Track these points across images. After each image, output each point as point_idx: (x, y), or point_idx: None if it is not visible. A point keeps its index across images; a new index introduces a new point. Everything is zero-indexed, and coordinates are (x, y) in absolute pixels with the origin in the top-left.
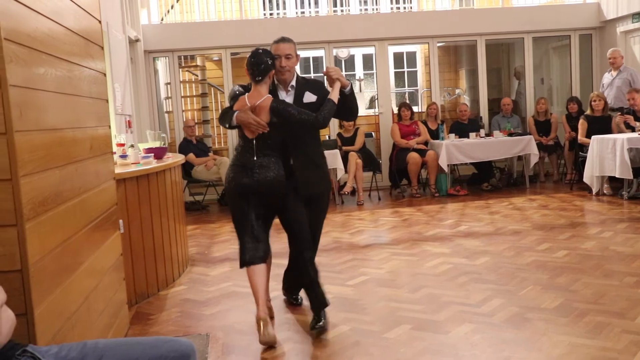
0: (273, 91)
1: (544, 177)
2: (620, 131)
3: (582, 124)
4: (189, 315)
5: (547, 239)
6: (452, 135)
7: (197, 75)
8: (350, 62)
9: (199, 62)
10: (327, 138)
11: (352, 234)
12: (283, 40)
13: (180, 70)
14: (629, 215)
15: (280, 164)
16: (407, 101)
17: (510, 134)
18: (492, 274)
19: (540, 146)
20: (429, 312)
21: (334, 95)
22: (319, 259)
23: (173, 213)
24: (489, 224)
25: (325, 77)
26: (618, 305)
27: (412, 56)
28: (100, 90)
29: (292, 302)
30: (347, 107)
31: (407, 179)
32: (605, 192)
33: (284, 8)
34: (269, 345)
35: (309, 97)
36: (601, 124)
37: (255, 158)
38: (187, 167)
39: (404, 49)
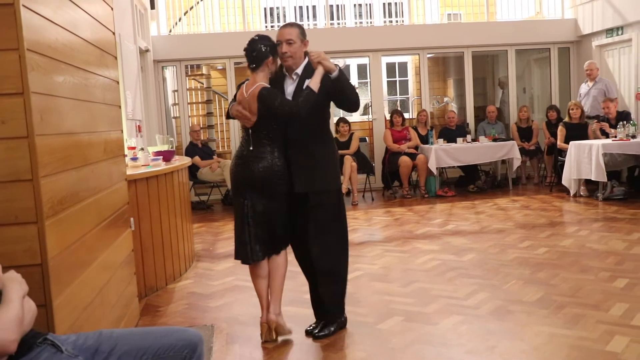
0: (281, 79)
1: (525, 180)
2: (596, 137)
3: (560, 131)
4: (195, 307)
5: (529, 237)
6: (441, 140)
7: (202, 83)
8: (345, 72)
9: (204, 70)
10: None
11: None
12: (285, 25)
13: (187, 78)
14: (603, 215)
15: (276, 155)
16: (399, 108)
17: (495, 140)
18: (478, 269)
19: (522, 151)
20: (420, 305)
21: (314, 82)
22: None
23: (180, 212)
24: (475, 223)
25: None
26: (593, 298)
27: (403, 66)
28: (114, 97)
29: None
30: (339, 93)
31: (399, 181)
32: (582, 193)
33: (284, 20)
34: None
35: (291, 88)
36: (578, 131)
37: (251, 148)
38: (193, 169)
39: (396, 59)
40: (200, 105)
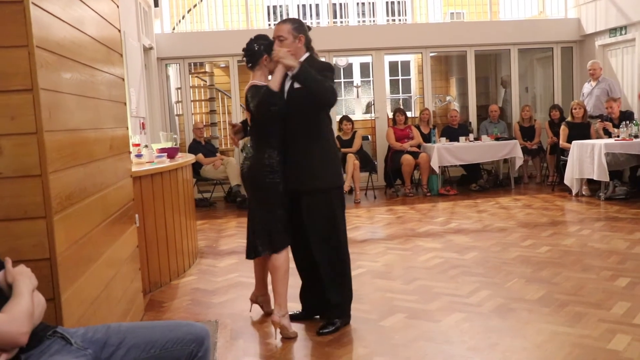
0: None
1: (527, 179)
2: (598, 137)
3: (563, 130)
4: (199, 303)
5: (531, 236)
6: (443, 139)
7: (205, 81)
8: (348, 70)
9: (207, 68)
10: (248, 144)
11: (349, 230)
12: (279, 22)
13: (190, 76)
14: (605, 214)
15: (259, 154)
16: (402, 107)
17: (497, 139)
18: (480, 267)
19: (524, 150)
20: (422, 302)
21: (273, 80)
22: None
23: (184, 209)
24: (477, 221)
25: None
26: (595, 297)
27: (406, 65)
28: (119, 94)
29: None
30: (307, 90)
31: (401, 179)
32: (584, 193)
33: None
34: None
35: (287, 85)
36: (581, 130)
37: (249, 145)
38: (196, 167)
39: (399, 58)
40: (203, 102)
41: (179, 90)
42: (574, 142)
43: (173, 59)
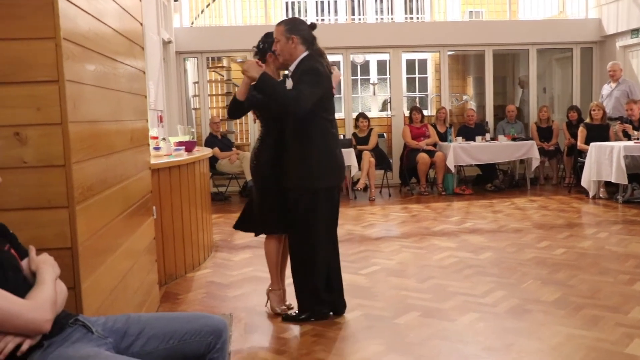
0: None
1: (544, 180)
2: (617, 139)
3: (581, 132)
4: (213, 296)
5: (547, 238)
6: (460, 138)
7: (222, 76)
8: (365, 68)
9: (224, 63)
10: (343, 137)
11: (364, 227)
12: (276, 24)
13: (208, 70)
14: (623, 218)
15: (259, 148)
16: (418, 105)
17: (514, 139)
18: (495, 267)
19: (541, 151)
20: (437, 301)
21: (238, 89)
22: None
23: (200, 202)
24: (492, 221)
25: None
26: (612, 300)
27: (423, 63)
28: (140, 87)
29: None
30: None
31: (416, 177)
32: (601, 195)
33: (305, 15)
34: None
35: (289, 84)
36: (599, 132)
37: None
38: (212, 161)
39: (416, 56)
40: (219, 97)
41: (196, 84)
42: (592, 143)
43: (191, 53)
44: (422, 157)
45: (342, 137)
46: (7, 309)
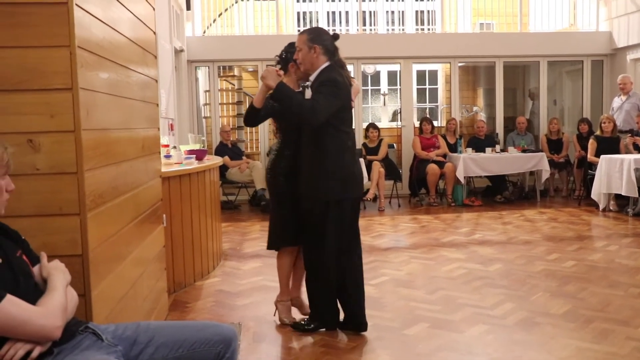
0: None
1: (553, 192)
2: (628, 152)
3: (591, 144)
4: (222, 305)
5: (556, 250)
6: (470, 150)
7: (233, 85)
8: (375, 78)
9: (236, 72)
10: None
11: (373, 237)
12: (299, 33)
13: (219, 79)
14: (633, 231)
15: (275, 160)
16: (428, 116)
17: (524, 151)
18: (505, 279)
19: (551, 163)
20: (445, 312)
21: (255, 97)
22: None
23: (210, 211)
24: (502, 233)
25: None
26: (623, 314)
27: (433, 74)
28: (153, 95)
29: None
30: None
31: (426, 188)
32: (611, 208)
33: (317, 25)
34: None
35: (308, 94)
36: (610, 145)
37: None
38: (221, 169)
39: (427, 67)
40: (230, 106)
41: (207, 93)
42: (602, 156)
43: (203, 62)
44: (432, 167)
45: None
46: (18, 315)
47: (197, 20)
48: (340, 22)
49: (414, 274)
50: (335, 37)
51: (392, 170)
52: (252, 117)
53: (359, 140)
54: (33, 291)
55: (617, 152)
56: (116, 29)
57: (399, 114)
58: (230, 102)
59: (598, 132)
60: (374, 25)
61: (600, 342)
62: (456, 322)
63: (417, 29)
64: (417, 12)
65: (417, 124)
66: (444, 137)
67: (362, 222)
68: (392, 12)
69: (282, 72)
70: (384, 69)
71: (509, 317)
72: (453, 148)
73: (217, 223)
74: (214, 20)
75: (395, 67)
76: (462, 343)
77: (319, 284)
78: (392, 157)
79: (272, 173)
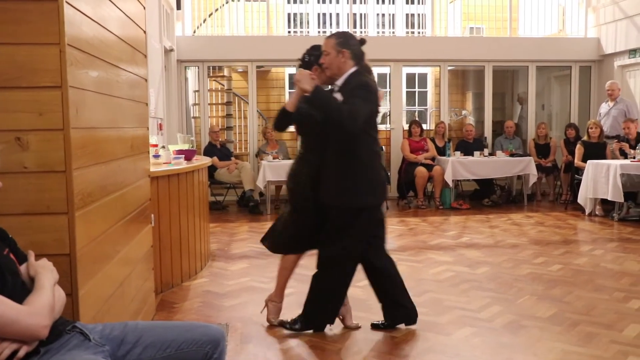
0: None
1: (540, 197)
2: (614, 157)
3: (578, 149)
4: (209, 305)
5: (543, 254)
6: (458, 153)
7: (223, 85)
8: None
9: (225, 72)
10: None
11: None
12: (326, 37)
13: (208, 79)
14: (618, 235)
15: (298, 162)
16: (417, 119)
17: (512, 155)
18: (492, 282)
19: (539, 167)
20: (433, 315)
21: (289, 101)
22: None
23: (199, 211)
24: (489, 236)
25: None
26: (607, 318)
27: (423, 77)
28: (142, 94)
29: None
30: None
31: (414, 191)
32: (597, 213)
33: (307, 27)
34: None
35: (338, 98)
36: (596, 150)
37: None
38: (210, 170)
39: (416, 70)
40: (220, 106)
41: (196, 93)
42: (589, 161)
43: (192, 62)
44: (420, 170)
45: None
46: (5, 314)
47: (188, 20)
48: (331, 24)
49: (401, 276)
50: (362, 42)
51: None
52: (284, 122)
53: None
54: (20, 290)
55: (604, 157)
56: (106, 27)
57: (388, 117)
58: (220, 102)
59: (585, 138)
60: (365, 28)
61: (585, 345)
62: (443, 325)
63: (407, 32)
64: (407, 15)
65: (406, 126)
66: (433, 140)
67: None
68: (383, 15)
69: (315, 75)
70: (373, 72)
71: (495, 320)
72: (442, 151)
73: (205, 223)
74: (204, 20)
75: (385, 70)
76: (449, 346)
77: (332, 286)
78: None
79: (295, 179)
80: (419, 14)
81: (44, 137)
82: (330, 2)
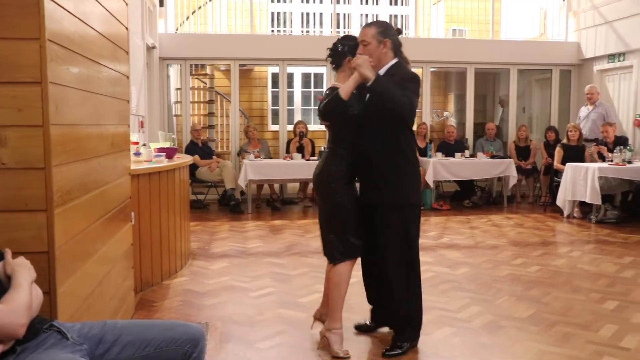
0: None
1: (520, 198)
2: (592, 160)
3: (558, 152)
4: (189, 304)
5: (522, 255)
6: (439, 154)
7: (205, 83)
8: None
9: (208, 70)
10: (322, 149)
11: None
12: (364, 25)
13: (191, 77)
14: (595, 237)
15: (327, 159)
16: None
17: (493, 157)
18: (471, 283)
19: (519, 169)
20: None
21: (345, 87)
22: (311, 260)
23: (179, 209)
24: (469, 237)
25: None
26: (584, 318)
27: None
28: (124, 91)
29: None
30: (379, 104)
31: None
32: (575, 215)
33: (291, 26)
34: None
35: None
36: (576, 153)
37: (325, 149)
38: (191, 168)
39: None
40: (202, 104)
41: (178, 91)
42: (568, 164)
43: (175, 59)
44: None
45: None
46: None
47: (170, 17)
48: (315, 24)
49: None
50: (399, 31)
51: None
52: (338, 111)
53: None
54: None
55: (583, 160)
56: (88, 23)
57: None
58: (202, 100)
59: (564, 140)
60: (348, 27)
61: (562, 345)
62: (423, 325)
63: None
64: (390, 16)
65: None
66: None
67: None
68: (367, 15)
69: (372, 60)
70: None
71: (474, 320)
72: (423, 152)
73: (185, 222)
74: (187, 18)
75: None
76: (428, 345)
77: (417, 282)
78: None
79: (328, 176)
80: (402, 15)
81: (23, 133)
82: (314, 1)
